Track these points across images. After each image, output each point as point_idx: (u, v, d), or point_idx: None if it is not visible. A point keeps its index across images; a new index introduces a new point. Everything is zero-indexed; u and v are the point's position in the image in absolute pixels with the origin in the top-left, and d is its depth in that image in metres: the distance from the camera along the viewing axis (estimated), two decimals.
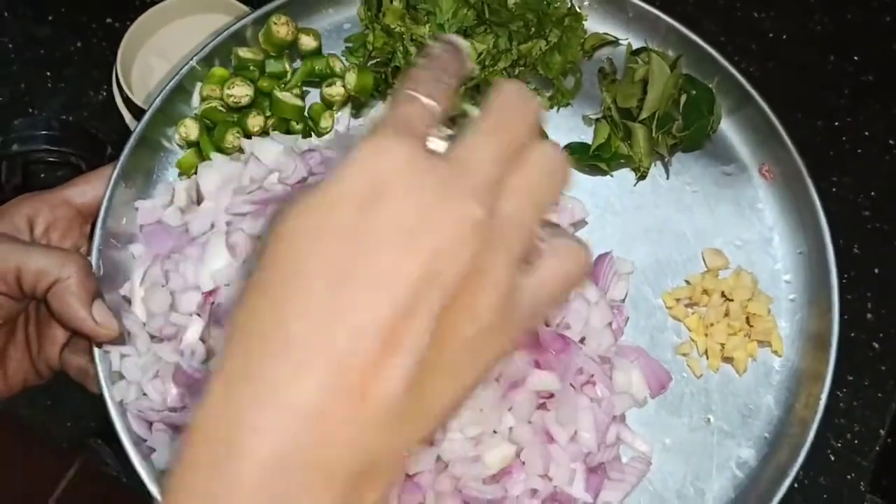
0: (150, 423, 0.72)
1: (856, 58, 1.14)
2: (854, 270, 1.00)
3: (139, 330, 0.74)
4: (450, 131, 0.40)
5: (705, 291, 0.84)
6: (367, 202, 0.34)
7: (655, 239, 0.87)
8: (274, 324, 0.33)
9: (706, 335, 0.83)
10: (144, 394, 0.72)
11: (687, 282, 0.86)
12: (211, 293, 0.71)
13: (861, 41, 1.15)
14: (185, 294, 0.72)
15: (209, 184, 0.78)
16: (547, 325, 0.76)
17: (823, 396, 0.78)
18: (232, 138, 0.83)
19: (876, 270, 1.01)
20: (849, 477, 0.91)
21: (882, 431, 0.94)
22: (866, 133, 1.09)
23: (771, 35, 1.15)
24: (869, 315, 0.99)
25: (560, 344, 0.74)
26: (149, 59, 1.01)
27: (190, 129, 0.84)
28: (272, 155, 0.79)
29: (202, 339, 0.70)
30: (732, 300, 0.83)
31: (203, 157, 0.83)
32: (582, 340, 0.78)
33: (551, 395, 0.72)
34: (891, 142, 1.09)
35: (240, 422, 0.33)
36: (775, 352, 0.83)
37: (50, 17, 1.10)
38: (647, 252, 0.87)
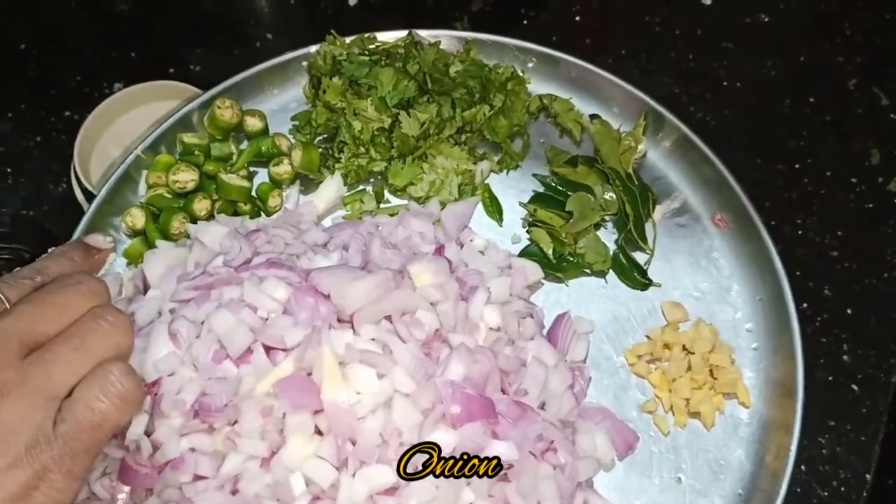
0: None
1: (811, 99, 1.14)
2: (826, 313, 0.99)
3: None
4: None
5: (666, 346, 0.82)
6: None
7: (612, 295, 0.86)
8: None
9: (670, 391, 0.81)
10: (94, 493, 0.70)
11: (648, 337, 0.84)
12: (154, 384, 0.69)
13: (815, 82, 1.16)
14: None
15: (154, 272, 0.78)
16: (504, 393, 0.74)
17: (793, 446, 0.76)
18: (178, 224, 0.83)
19: (848, 311, 1.00)
20: None
21: (868, 476, 0.91)
22: (828, 173, 1.09)
23: (725, 83, 1.16)
24: (845, 357, 0.97)
25: (517, 411, 0.72)
26: (108, 149, 1.01)
27: (136, 217, 0.84)
28: (217, 238, 0.79)
29: (147, 433, 0.69)
30: (693, 353, 0.81)
31: (150, 244, 0.83)
32: (542, 406, 0.76)
33: (511, 466, 0.70)
34: (853, 180, 1.08)
35: None
36: (742, 403, 0.81)
37: (9, 114, 1.12)
38: (605, 309, 0.86)
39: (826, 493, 0.90)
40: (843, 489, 0.90)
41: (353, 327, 0.72)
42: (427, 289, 0.74)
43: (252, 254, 0.77)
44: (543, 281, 0.86)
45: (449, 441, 0.68)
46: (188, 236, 0.82)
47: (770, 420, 0.80)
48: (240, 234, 0.79)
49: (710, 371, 0.81)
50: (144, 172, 0.87)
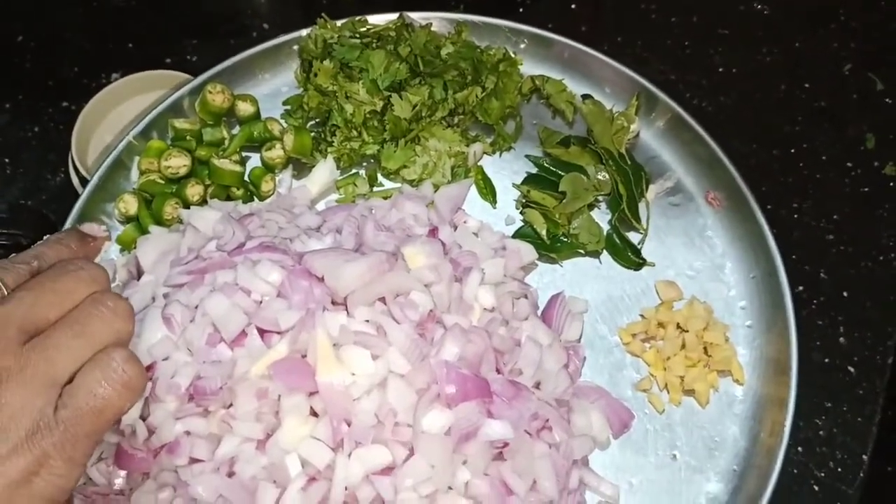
0: None
1: (806, 85, 1.14)
2: (823, 296, 0.99)
3: None
4: None
5: (660, 324, 0.82)
6: None
7: (606, 275, 0.86)
8: None
9: (665, 369, 0.81)
10: (90, 478, 0.70)
11: (642, 316, 0.84)
12: (148, 368, 0.69)
13: (810, 68, 1.16)
14: None
15: (147, 257, 0.78)
16: (498, 372, 0.74)
17: (788, 422, 0.76)
18: (170, 209, 0.83)
19: (845, 294, 0.99)
20: None
21: (865, 457, 0.91)
22: (823, 157, 1.09)
23: (721, 70, 1.15)
24: (842, 339, 0.97)
25: (512, 391, 0.72)
26: (105, 139, 1.01)
27: (129, 203, 0.84)
28: (210, 223, 0.78)
29: (142, 417, 0.69)
30: (688, 331, 0.81)
31: (143, 230, 0.83)
32: (537, 385, 0.76)
33: (506, 445, 0.70)
34: (848, 164, 1.08)
35: None
36: (737, 380, 0.81)
37: (7, 105, 1.12)
38: (600, 289, 0.86)
39: (823, 475, 0.90)
40: (839, 470, 0.90)
41: (346, 309, 0.72)
42: (421, 270, 0.74)
43: (245, 238, 0.77)
44: (537, 262, 0.86)
45: (444, 421, 0.68)
46: (181, 221, 0.82)
47: (764, 397, 0.80)
48: (233, 219, 0.79)
49: (705, 349, 0.81)
50: (137, 158, 0.86)
